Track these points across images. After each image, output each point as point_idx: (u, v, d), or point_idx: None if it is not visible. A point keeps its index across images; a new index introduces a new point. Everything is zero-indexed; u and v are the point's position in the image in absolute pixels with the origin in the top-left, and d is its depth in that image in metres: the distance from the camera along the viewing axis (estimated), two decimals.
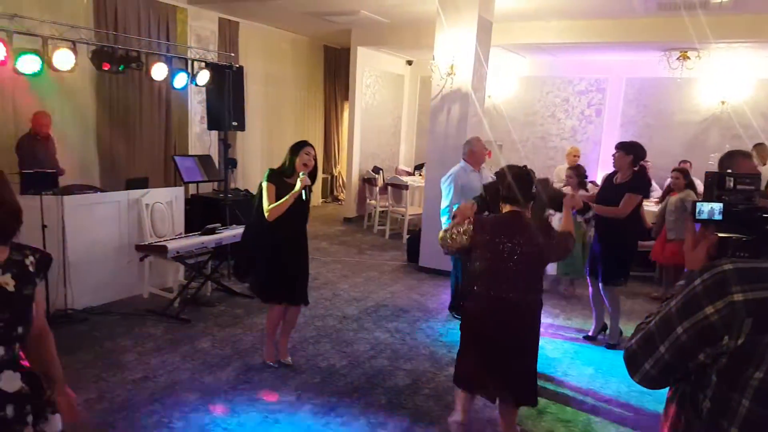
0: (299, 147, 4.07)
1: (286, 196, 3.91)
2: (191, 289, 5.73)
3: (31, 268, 1.91)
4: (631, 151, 4.81)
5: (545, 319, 5.72)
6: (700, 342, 1.30)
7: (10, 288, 1.83)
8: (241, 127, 7.31)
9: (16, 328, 1.86)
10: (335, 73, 11.79)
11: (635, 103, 9.78)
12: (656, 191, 7.81)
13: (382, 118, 11.27)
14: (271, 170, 4.05)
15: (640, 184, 4.81)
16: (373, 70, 10.65)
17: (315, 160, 4.10)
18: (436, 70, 6.89)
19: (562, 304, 6.25)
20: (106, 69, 5.77)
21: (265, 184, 3.97)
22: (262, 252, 4.08)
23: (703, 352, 1.30)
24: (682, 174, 6.21)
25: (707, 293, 1.29)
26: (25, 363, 1.95)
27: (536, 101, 10.53)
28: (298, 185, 3.92)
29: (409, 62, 11.89)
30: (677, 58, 8.63)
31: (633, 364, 1.43)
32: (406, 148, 12.25)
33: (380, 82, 10.98)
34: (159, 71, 6.05)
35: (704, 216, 1.49)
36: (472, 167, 5.34)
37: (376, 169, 10.61)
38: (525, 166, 3.26)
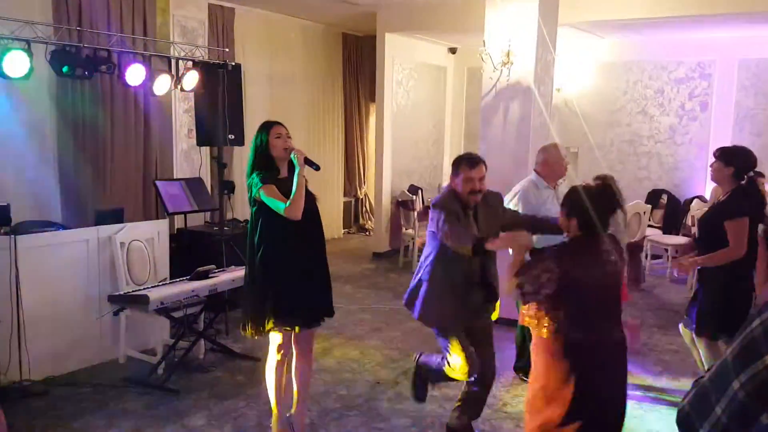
0: (265, 130, 4.15)
1: (295, 180, 3.98)
2: (180, 350, 5.77)
3: None
4: (731, 161, 4.59)
5: (644, 379, 5.59)
6: (761, 400, 1.25)
7: None
8: (240, 141, 7.42)
9: None
10: (358, 67, 11.95)
11: (752, 91, 9.64)
12: None
13: (420, 122, 11.33)
14: (258, 172, 4.08)
15: (736, 205, 4.54)
16: (406, 61, 10.74)
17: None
18: (487, 60, 6.90)
19: (665, 360, 6.12)
20: (69, 74, 5.93)
21: (264, 189, 4.00)
22: (278, 273, 4.12)
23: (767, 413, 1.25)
24: None
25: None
26: None
27: (621, 94, 10.47)
28: (299, 159, 4.02)
29: (453, 50, 11.98)
30: None
31: (687, 430, 1.39)
32: (451, 161, 12.27)
33: (416, 76, 11.07)
34: (135, 74, 6.19)
35: None
36: (546, 182, 5.30)
37: (414, 189, 10.64)
38: (604, 179, 3.34)
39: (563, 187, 5.29)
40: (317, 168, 4.20)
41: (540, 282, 3.20)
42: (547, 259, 3.24)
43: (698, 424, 1.37)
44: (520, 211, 5.03)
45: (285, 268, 4.09)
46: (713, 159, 4.71)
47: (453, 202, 4.11)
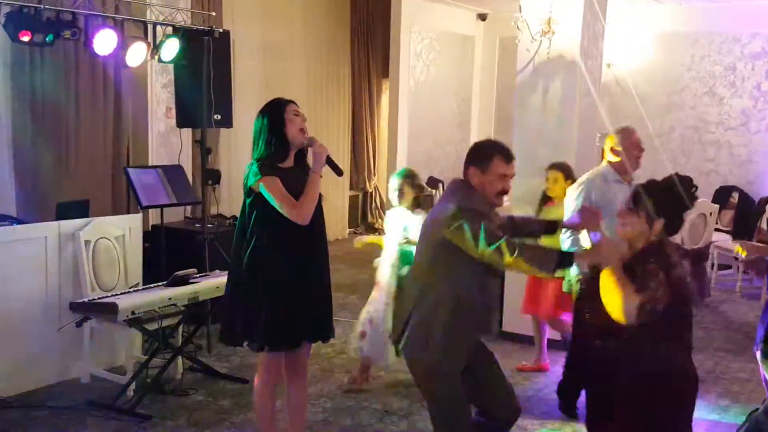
0: (280, 108, 4.15)
1: (309, 179, 4.04)
2: (153, 368, 5.78)
3: None
4: None
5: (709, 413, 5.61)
6: None
7: None
8: (227, 122, 7.46)
9: None
10: (369, 36, 11.97)
11: None
12: None
13: (442, 102, 11.35)
14: (259, 161, 4.10)
15: None
16: (426, 29, 10.76)
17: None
18: (524, 28, 6.90)
19: (734, 391, 6.11)
20: (26, 40, 5.96)
21: (265, 181, 4.01)
22: (269, 281, 4.13)
23: None
24: None
25: None
26: None
27: (685, 71, 10.44)
28: (318, 155, 4.07)
29: (482, 17, 11.97)
30: None
31: None
32: None
33: (438, 47, 11.09)
34: (104, 42, 6.21)
35: None
36: (619, 175, 5.29)
37: (434, 182, 10.66)
38: (674, 178, 3.45)
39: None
40: (340, 173, 4.29)
41: (657, 297, 3.24)
42: (654, 268, 3.28)
43: None
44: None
45: (276, 274, 4.10)
46: None
47: (485, 207, 3.82)
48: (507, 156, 3.85)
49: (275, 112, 4.14)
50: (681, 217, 3.51)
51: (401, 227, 5.69)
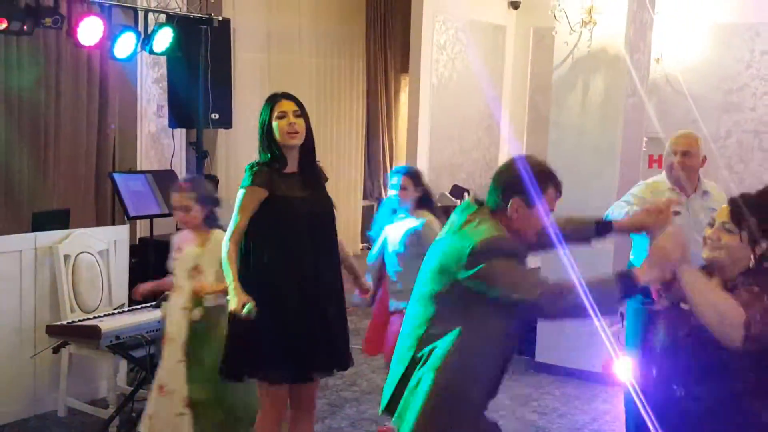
0: (269, 106, 4.18)
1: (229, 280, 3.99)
2: (140, 401, 5.74)
3: None
4: None
5: None
6: None
7: None
8: (226, 122, 7.49)
9: None
10: (386, 26, 12.00)
11: None
12: None
13: (468, 101, 11.33)
14: (254, 167, 4.14)
15: None
16: (451, 18, 10.76)
17: (307, 123, 4.20)
18: (562, 18, 6.88)
19: None
20: (3, 28, 5.99)
21: (244, 192, 4.06)
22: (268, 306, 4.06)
23: None
24: None
25: None
26: None
27: (744, 68, 10.37)
28: None
29: (515, 5, 11.96)
30: None
31: None
32: (511, 152, 12.25)
33: (464, 39, 11.08)
34: (89, 31, 6.22)
35: None
36: (678, 188, 5.23)
37: (458, 192, 10.65)
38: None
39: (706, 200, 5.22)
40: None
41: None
42: (758, 292, 3.00)
43: None
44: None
45: (277, 298, 4.10)
46: None
47: (522, 247, 3.36)
48: (560, 187, 3.37)
49: (264, 110, 4.19)
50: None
51: None
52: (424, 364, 3.22)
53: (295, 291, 4.12)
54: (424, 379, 3.18)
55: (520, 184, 3.20)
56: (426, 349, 3.22)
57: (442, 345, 3.18)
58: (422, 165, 10.40)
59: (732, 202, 3.16)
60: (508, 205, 3.22)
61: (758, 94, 10.31)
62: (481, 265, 3.05)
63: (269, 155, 4.14)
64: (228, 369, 4.24)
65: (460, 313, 3.20)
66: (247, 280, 4.07)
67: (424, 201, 5.58)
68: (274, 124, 4.11)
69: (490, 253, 3.08)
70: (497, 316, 3.17)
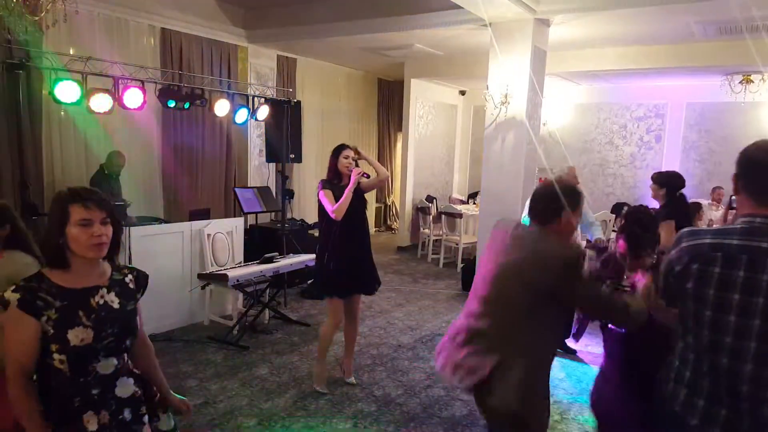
0: (338, 150, 4.28)
1: (346, 193, 4.09)
2: (250, 316, 5.83)
3: (131, 285, 2.11)
4: (664, 183, 4.52)
5: None
6: None
7: (116, 305, 2.02)
8: (298, 159, 7.49)
9: (125, 340, 2.04)
10: (389, 104, 11.97)
11: (697, 128, 9.49)
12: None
13: (436, 147, 11.32)
14: (324, 180, 4.24)
15: (671, 210, 4.38)
16: (426, 100, 10.75)
17: (356, 161, 4.31)
18: (490, 100, 6.88)
19: None
20: (172, 106, 6.05)
21: (320, 191, 4.16)
22: (329, 249, 4.20)
23: None
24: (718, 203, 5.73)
25: None
26: (135, 370, 2.14)
27: (593, 128, 10.37)
28: (353, 178, 4.13)
29: (462, 92, 11.95)
30: (740, 82, 8.36)
31: None
32: (459, 177, 12.24)
33: (433, 112, 11.07)
34: (221, 107, 6.28)
35: None
36: None
37: (430, 198, 10.63)
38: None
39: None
40: (368, 176, 4.35)
41: None
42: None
43: None
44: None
45: (333, 248, 4.17)
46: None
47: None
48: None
49: (335, 152, 4.28)
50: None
51: None
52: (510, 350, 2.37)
53: (343, 244, 4.18)
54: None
55: (560, 200, 2.35)
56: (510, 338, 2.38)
57: (526, 339, 2.36)
58: (409, 184, 10.42)
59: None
60: (558, 220, 2.36)
61: (602, 143, 10.31)
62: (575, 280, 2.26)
63: (332, 174, 4.26)
64: (313, 291, 4.36)
65: (542, 315, 2.35)
66: (320, 238, 4.25)
67: None
68: (340, 159, 4.23)
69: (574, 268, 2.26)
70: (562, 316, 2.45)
